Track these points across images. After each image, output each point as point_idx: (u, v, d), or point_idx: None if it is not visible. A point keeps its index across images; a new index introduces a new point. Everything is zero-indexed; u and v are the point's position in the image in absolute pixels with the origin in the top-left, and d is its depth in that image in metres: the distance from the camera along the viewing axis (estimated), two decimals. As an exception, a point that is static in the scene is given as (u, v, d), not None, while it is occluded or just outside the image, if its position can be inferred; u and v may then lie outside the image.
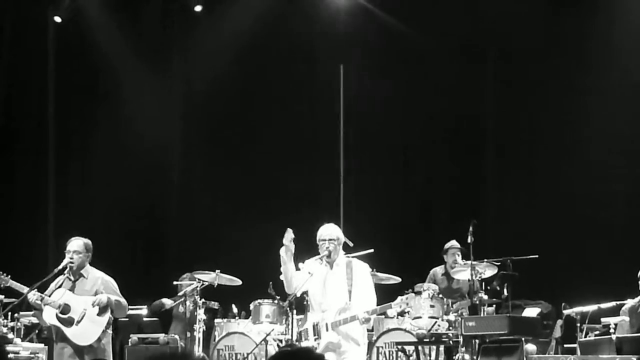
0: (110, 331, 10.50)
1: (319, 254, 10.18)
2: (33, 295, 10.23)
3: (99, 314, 10.29)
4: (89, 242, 10.45)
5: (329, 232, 10.14)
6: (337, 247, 10.11)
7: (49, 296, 10.30)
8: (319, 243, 10.18)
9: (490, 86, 15.84)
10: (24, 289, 10.23)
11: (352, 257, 11.96)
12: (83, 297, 10.30)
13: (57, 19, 17.15)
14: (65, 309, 10.23)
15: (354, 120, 16.44)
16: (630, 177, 14.81)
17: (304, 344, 9.94)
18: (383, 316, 13.00)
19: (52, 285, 10.43)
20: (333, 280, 10.06)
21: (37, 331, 13.08)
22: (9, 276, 10.35)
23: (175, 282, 14.32)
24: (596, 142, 14.97)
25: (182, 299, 14.09)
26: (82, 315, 10.23)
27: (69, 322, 10.21)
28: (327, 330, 9.89)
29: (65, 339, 10.23)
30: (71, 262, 10.36)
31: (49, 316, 10.26)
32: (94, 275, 10.46)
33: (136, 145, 17.16)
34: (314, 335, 9.94)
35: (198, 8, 17.27)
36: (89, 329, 10.23)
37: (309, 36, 16.66)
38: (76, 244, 10.43)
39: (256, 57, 16.88)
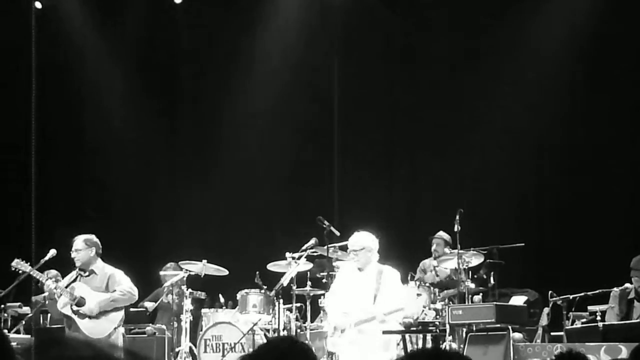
0: (121, 328, 10.88)
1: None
2: (52, 284, 10.58)
3: (112, 311, 10.60)
4: (91, 237, 10.75)
5: (351, 243, 10.67)
6: (362, 256, 10.54)
7: (66, 287, 10.63)
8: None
9: (483, 77, 15.84)
10: (41, 276, 10.51)
11: (339, 246, 12.03)
12: (96, 293, 10.59)
13: (38, 5, 17.01)
14: (80, 301, 10.49)
15: (349, 112, 16.43)
16: (618, 167, 14.84)
17: (328, 340, 10.59)
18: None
19: (66, 279, 10.69)
20: (360, 284, 10.52)
21: (23, 322, 13.08)
22: (29, 263, 10.61)
23: (161, 273, 14.34)
24: (590, 133, 15.01)
25: (168, 290, 14.13)
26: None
27: (82, 315, 10.43)
28: (350, 327, 10.37)
29: (77, 330, 10.50)
30: (76, 260, 10.72)
31: (63, 306, 10.55)
32: (103, 271, 10.80)
33: (120, 135, 17.13)
34: (338, 332, 10.30)
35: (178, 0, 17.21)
36: (102, 324, 10.57)
37: (304, 27, 16.61)
38: (76, 243, 10.80)
39: (249, 49, 16.86)
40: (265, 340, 8.69)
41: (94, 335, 10.44)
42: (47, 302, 10.97)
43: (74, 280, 10.66)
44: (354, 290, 10.50)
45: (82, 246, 10.63)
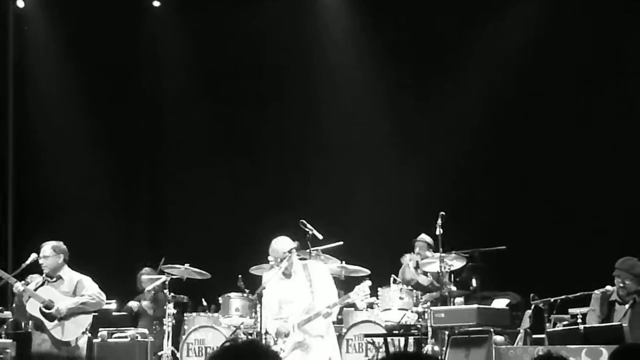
0: (88, 334, 10.93)
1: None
2: (20, 287, 10.62)
3: (81, 315, 10.68)
4: (59, 244, 10.82)
5: (280, 249, 10.41)
6: (291, 261, 10.39)
7: (35, 290, 10.69)
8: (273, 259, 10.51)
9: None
10: (10, 278, 10.67)
11: (322, 249, 12.04)
12: (65, 298, 10.64)
13: (20, 4, 16.97)
14: (49, 304, 10.56)
15: (330, 119, 16.52)
16: (601, 171, 14.91)
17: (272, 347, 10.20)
18: (352, 308, 13.04)
19: (33, 284, 10.82)
20: (293, 288, 10.40)
21: (5, 326, 13.06)
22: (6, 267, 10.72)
23: (139, 277, 14.39)
24: (571, 137, 15.11)
25: (148, 295, 14.21)
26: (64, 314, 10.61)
27: (52, 317, 10.56)
28: (293, 330, 10.22)
29: (45, 331, 10.57)
30: (44, 267, 10.76)
31: (33, 308, 10.59)
32: (70, 277, 10.82)
33: (109, 137, 17.11)
34: (282, 337, 10.20)
35: (156, 3, 17.21)
36: (70, 327, 10.61)
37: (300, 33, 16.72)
38: (44, 249, 10.82)
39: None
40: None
41: (62, 338, 10.54)
42: (14, 305, 11.01)
43: (42, 285, 10.72)
44: (289, 295, 10.38)
45: (50, 253, 10.73)
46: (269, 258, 11.25)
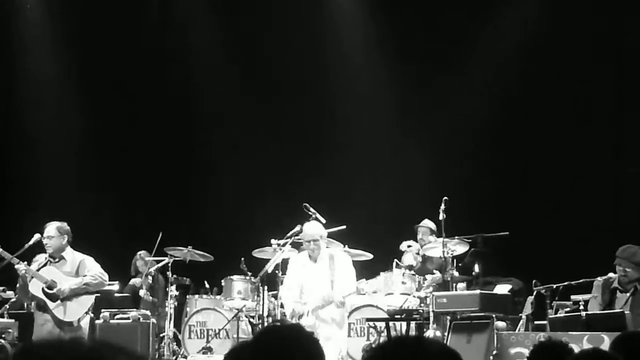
0: (91, 314, 11.01)
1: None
2: (23, 267, 10.63)
3: (84, 296, 10.74)
4: (63, 224, 10.85)
5: (311, 233, 11.05)
6: (319, 245, 11.03)
7: (38, 270, 10.69)
8: (303, 242, 11.20)
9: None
10: (13, 259, 10.66)
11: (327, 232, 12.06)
12: (68, 278, 10.68)
13: None
14: (52, 284, 10.60)
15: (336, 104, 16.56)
16: (602, 157, 14.92)
17: None
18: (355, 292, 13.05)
19: (35, 264, 10.75)
20: (316, 274, 10.97)
21: (7, 306, 13.08)
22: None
23: (148, 258, 14.37)
24: (575, 123, 15.12)
25: (144, 281, 14.26)
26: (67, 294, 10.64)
27: (54, 297, 10.60)
28: (307, 315, 10.77)
29: (48, 311, 10.63)
30: (48, 247, 10.78)
31: (35, 288, 10.64)
32: (73, 257, 10.87)
33: (107, 120, 17.10)
34: (296, 318, 10.72)
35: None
36: (73, 307, 10.67)
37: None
38: (48, 229, 10.84)
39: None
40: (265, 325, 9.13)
41: (64, 318, 10.60)
42: (18, 285, 11.03)
43: (44, 265, 10.75)
44: (311, 280, 10.98)
45: (55, 233, 10.75)
46: (272, 240, 11.46)
